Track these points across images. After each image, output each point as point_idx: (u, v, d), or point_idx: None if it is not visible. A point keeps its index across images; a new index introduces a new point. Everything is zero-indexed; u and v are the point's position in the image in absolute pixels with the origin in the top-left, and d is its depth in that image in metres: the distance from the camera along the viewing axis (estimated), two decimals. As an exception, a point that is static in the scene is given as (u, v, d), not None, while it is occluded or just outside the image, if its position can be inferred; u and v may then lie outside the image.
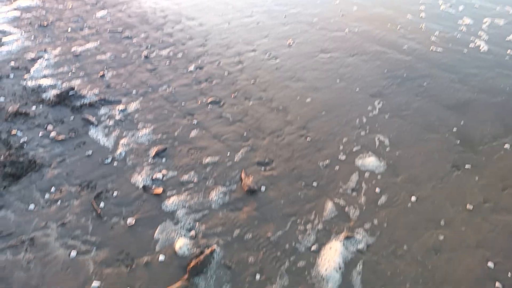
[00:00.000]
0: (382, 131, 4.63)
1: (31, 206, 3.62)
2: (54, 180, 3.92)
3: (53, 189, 3.82)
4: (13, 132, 4.50)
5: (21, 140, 4.39)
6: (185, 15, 7.82)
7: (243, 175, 3.99)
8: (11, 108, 4.86)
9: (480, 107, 5.06)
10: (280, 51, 6.44)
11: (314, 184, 3.90)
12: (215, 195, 3.78)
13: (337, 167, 4.11)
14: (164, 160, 4.23)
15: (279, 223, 3.48)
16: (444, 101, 5.18)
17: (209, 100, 5.20)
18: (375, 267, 3.08)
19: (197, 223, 3.49)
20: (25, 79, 5.59)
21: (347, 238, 3.33)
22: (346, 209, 3.62)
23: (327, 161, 4.18)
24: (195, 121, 4.80)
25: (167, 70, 5.91)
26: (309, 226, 3.45)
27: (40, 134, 4.51)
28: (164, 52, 6.41)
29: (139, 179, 3.98)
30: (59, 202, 3.68)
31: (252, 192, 3.81)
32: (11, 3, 8.31)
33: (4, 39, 6.74)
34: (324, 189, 3.84)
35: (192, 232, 3.40)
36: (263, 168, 4.11)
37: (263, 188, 3.85)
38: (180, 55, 6.33)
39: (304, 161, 4.19)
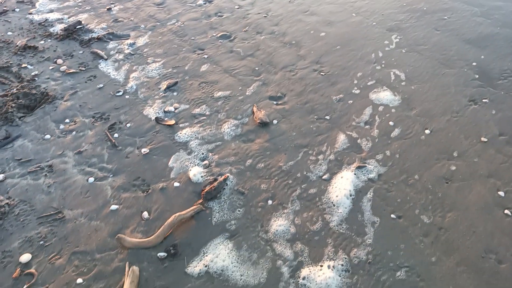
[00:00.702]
0: (398, 66, 4.49)
1: (47, 136, 3.69)
2: (68, 111, 3.95)
3: (67, 120, 3.86)
4: (24, 65, 4.47)
5: (32, 73, 4.37)
6: None
7: (255, 109, 3.96)
8: (20, 42, 4.79)
9: (501, 41, 4.83)
10: (294, -17, 6.11)
11: (327, 117, 3.87)
12: (227, 127, 3.79)
13: (350, 101, 4.04)
14: (175, 93, 4.20)
15: (291, 154, 3.50)
16: (464, 35, 4.95)
17: (219, 34, 5.04)
18: (385, 194, 3.13)
19: (210, 153, 3.54)
20: (31, 13, 5.45)
21: (359, 168, 3.36)
22: (359, 141, 3.62)
23: (341, 95, 4.12)
24: (205, 56, 4.70)
25: (175, 3, 5.69)
26: (320, 156, 3.47)
27: (50, 68, 4.48)
28: (172, -15, 6.14)
29: (151, 111, 3.98)
30: (74, 132, 3.74)
31: (264, 124, 3.81)
32: None
33: (6, -28, 6.49)
34: (337, 122, 3.82)
35: (206, 161, 3.46)
36: (275, 102, 4.07)
37: (275, 121, 3.84)
38: (188, -12, 6.07)
39: (316, 95, 4.13)
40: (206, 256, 2.72)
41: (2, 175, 3.29)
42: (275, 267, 2.67)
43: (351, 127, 3.76)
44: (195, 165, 3.43)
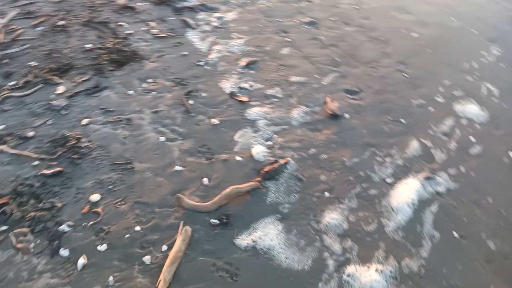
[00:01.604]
0: (492, 80, 4.11)
1: (130, 92, 3.97)
2: (152, 72, 4.20)
3: (150, 80, 4.11)
4: (121, 23, 4.82)
5: (126, 32, 4.70)
6: None
7: (328, 99, 3.89)
8: (121, 1, 5.16)
9: None
10: (393, -23, 5.82)
11: (402, 120, 3.69)
12: (297, 113, 3.77)
13: (431, 108, 3.80)
14: (252, 71, 4.27)
15: (357, 151, 3.40)
16: None
17: (306, 20, 4.98)
18: (451, 211, 2.93)
19: (275, 135, 3.56)
20: (134, -23, 5.82)
21: (427, 178, 3.17)
22: (432, 150, 3.40)
23: (422, 101, 3.88)
24: (288, 39, 4.69)
25: (268, -16, 5.72)
26: (388, 159, 3.33)
27: (143, 29, 4.77)
28: (267, -35, 6.17)
29: (227, 85, 4.09)
30: (154, 92, 3.97)
31: (335, 116, 3.73)
32: None
33: None
34: (412, 127, 3.62)
35: (270, 142, 3.49)
36: (350, 96, 3.96)
37: (346, 115, 3.75)
38: (283, -30, 6.04)
39: (395, 96, 3.94)
40: (256, 232, 2.78)
41: (87, 119, 3.62)
42: (321, 257, 2.64)
43: (427, 135, 3.55)
44: (259, 143, 3.48)
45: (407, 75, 4.17)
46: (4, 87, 3.85)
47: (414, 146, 3.45)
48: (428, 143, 3.47)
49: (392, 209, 2.95)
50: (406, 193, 3.06)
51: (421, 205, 2.98)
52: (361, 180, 3.17)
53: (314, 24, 4.92)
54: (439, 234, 2.78)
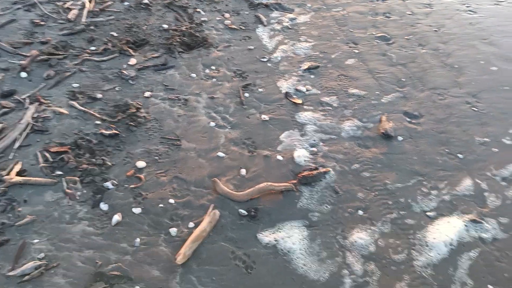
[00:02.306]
0: None
1: (193, 75, 4.15)
2: (216, 60, 4.36)
3: (213, 67, 4.27)
4: (198, 10, 5.05)
5: (202, 19, 4.91)
6: None
7: (384, 118, 3.77)
8: (203, -11, 5.39)
9: None
10: (483, 5, 5.45)
11: (459, 155, 3.47)
12: (348, 126, 3.71)
13: (495, 149, 3.53)
14: (312, 76, 4.26)
15: (403, 176, 3.27)
16: None
17: (379, 34, 4.85)
18: (493, 262, 2.71)
19: (321, 143, 3.53)
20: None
21: (473, 221, 2.96)
22: (486, 193, 3.17)
23: (486, 139, 3.62)
24: (356, 50, 4.60)
25: (349, -7, 5.64)
26: (434, 192, 3.16)
27: (217, 18, 4.96)
28: (352, -25, 6.08)
29: (284, 85, 4.13)
30: (214, 79, 4.12)
31: (387, 136, 3.61)
32: None
33: None
34: (469, 164, 3.39)
35: (314, 149, 3.47)
36: (408, 119, 3.80)
37: (400, 138, 3.61)
38: (367, -19, 5.93)
39: (458, 129, 3.71)
40: (280, 232, 2.79)
41: (149, 93, 3.85)
42: (340, 273, 2.59)
43: (484, 176, 3.30)
44: (303, 147, 3.47)
45: (476, 109, 3.91)
46: (86, 50, 4.22)
47: (466, 184, 3.23)
48: (483, 185, 3.23)
49: (427, 244, 2.80)
50: (446, 231, 2.89)
51: (459, 247, 2.80)
52: (400, 206, 3.04)
53: (387, 40, 4.78)
54: (472, 283, 2.59)
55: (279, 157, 3.35)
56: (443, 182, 3.24)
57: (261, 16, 5.03)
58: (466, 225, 2.93)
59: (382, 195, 3.12)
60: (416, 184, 3.21)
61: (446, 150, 3.52)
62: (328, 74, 4.28)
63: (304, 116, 3.78)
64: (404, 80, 4.23)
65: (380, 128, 3.68)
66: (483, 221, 2.97)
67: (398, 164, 3.37)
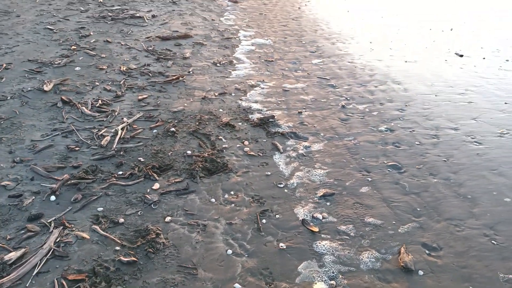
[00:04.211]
0: None
1: (213, 200, 4.31)
2: (235, 185, 4.57)
3: (232, 192, 4.45)
4: (220, 137, 5.49)
5: (223, 146, 5.31)
6: (392, 77, 7.96)
7: (402, 249, 3.73)
8: (225, 119, 5.94)
9: None
10: (488, 137, 5.79)
11: (486, 294, 3.32)
12: (367, 257, 3.66)
13: (522, 288, 3.38)
14: (328, 203, 4.37)
15: (429, 317, 3.09)
16: None
17: (390, 163, 5.10)
18: None
19: (340, 275, 3.45)
20: (241, 99, 6.75)
21: None
22: None
23: (511, 276, 3.49)
24: (369, 179, 4.79)
25: (358, 123, 6.12)
26: (464, 337, 2.94)
27: (237, 145, 5.35)
28: (361, 107, 6.67)
29: (301, 211, 4.22)
30: (233, 205, 4.26)
31: (407, 270, 3.52)
32: (251, 39, 10.17)
33: (238, 65, 8.33)
34: (498, 305, 3.22)
35: (333, 282, 3.38)
36: (427, 251, 3.76)
37: (420, 272, 3.51)
38: (375, 113, 6.46)
39: (479, 264, 3.62)
40: None
41: (170, 217, 3.98)
42: None
43: (516, 320, 3.10)
44: (322, 281, 3.39)
45: (495, 242, 3.86)
46: (114, 175, 4.51)
47: (498, 329, 3.02)
48: (517, 330, 3.01)
49: None
50: None
51: None
52: None
53: (398, 169, 5.00)
54: None
55: (297, 291, 3.26)
56: (473, 326, 3.04)
57: (278, 144, 5.42)
58: None
59: None
60: (443, 327, 3.02)
61: (470, 287, 3.38)
62: (344, 202, 4.39)
63: (322, 245, 3.78)
64: (419, 209, 4.30)
65: (399, 260, 3.62)
66: None
67: (422, 302, 3.22)
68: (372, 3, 12.60)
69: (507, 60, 8.59)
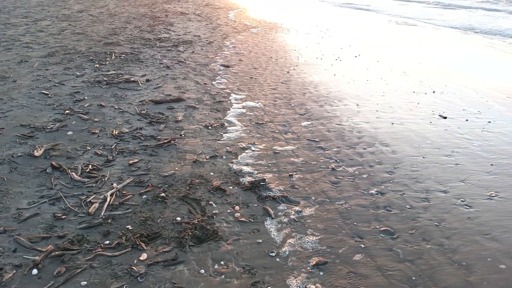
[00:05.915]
0: None
1: (202, 271, 4.16)
2: (226, 254, 4.44)
3: (222, 262, 4.31)
4: (210, 202, 5.43)
5: (213, 211, 5.23)
6: (380, 140, 8.15)
7: (400, 324, 3.57)
8: (215, 183, 5.93)
9: None
10: (477, 200, 5.82)
11: None
12: (364, 333, 3.48)
13: None
14: (321, 273, 4.24)
15: None
16: None
17: (383, 228, 5.05)
18: None
19: None
20: (232, 162, 6.79)
21: None
22: None
23: None
24: (362, 245, 4.71)
25: (349, 186, 6.14)
26: None
27: (228, 211, 5.28)
28: (351, 169, 6.74)
29: (294, 283, 4.08)
30: (223, 276, 4.11)
31: None
32: (242, 102, 10.48)
33: (229, 128, 8.49)
34: None
35: None
36: (426, 325, 3.59)
37: None
38: (365, 176, 6.52)
39: None
40: None
41: (156, 291, 3.79)
42: None
43: None
44: None
45: (496, 314, 3.73)
46: (100, 245, 4.37)
47: None
48: None
49: None
50: None
51: None
52: None
53: (391, 234, 4.94)
54: None
55: None
56: None
57: (269, 208, 5.37)
58: None
59: None
60: None
61: None
62: (337, 271, 4.27)
63: (316, 321, 3.60)
64: (414, 278, 4.19)
65: (397, 337, 3.44)
66: None
67: None
68: (357, 67, 13.29)
69: (489, 122, 8.93)
